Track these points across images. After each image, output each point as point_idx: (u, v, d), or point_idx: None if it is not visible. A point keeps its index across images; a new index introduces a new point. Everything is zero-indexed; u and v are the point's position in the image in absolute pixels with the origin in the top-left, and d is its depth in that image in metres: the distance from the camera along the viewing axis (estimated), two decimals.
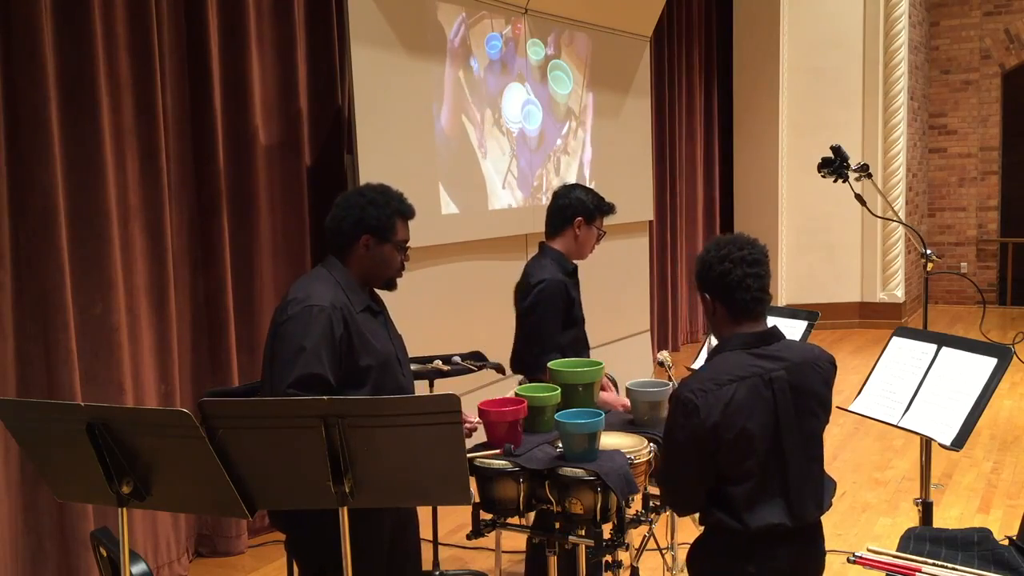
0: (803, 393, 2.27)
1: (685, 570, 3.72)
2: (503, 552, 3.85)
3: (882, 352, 3.25)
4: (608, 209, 3.55)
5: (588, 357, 3.48)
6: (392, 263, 2.72)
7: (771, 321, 3.41)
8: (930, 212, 11.98)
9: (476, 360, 3.92)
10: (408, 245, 2.76)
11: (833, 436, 6.02)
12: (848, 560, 2.60)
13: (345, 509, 2.19)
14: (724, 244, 2.32)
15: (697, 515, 2.38)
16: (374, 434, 2.11)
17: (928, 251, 3.77)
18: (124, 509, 2.21)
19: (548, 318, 3.41)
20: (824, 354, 2.39)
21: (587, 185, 3.62)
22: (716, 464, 2.24)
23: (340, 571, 2.45)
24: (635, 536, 3.14)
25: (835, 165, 3.83)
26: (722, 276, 2.29)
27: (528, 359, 3.39)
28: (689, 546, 2.41)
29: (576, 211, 3.47)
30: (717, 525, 2.27)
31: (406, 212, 2.73)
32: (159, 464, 2.18)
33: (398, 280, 2.78)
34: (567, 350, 3.43)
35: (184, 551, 4.30)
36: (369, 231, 2.67)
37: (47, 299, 3.60)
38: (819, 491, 2.31)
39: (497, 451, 2.71)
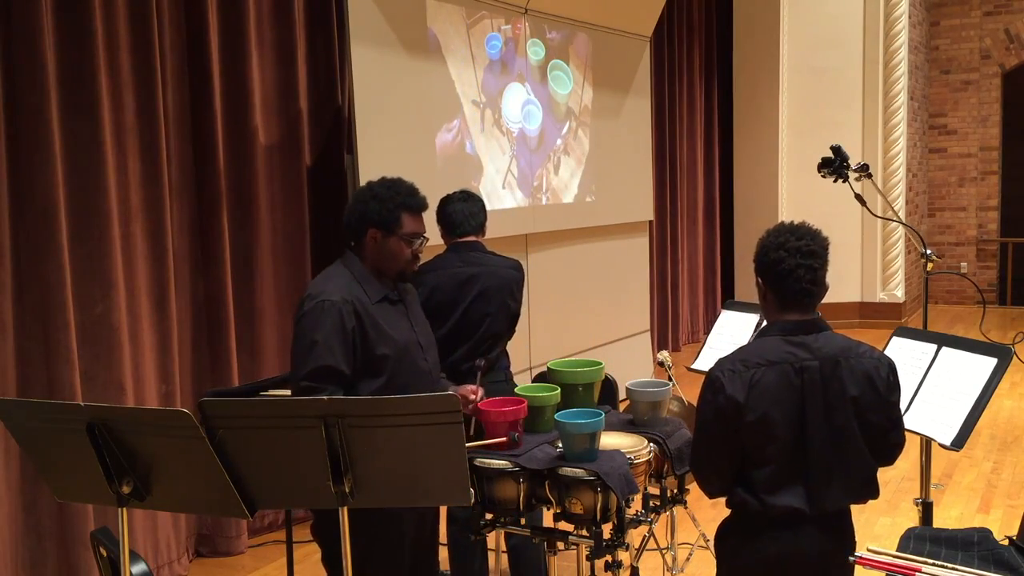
0: (834, 386, 2.27)
1: (685, 570, 3.73)
2: (503, 552, 3.85)
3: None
4: None
5: None
6: (399, 255, 2.75)
7: None
8: (930, 212, 11.98)
9: None
10: (424, 236, 2.79)
11: None
12: (848, 560, 2.60)
13: (345, 509, 2.19)
14: (784, 231, 2.34)
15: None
16: (374, 434, 2.11)
17: (928, 251, 3.77)
18: (124, 509, 2.21)
19: None
20: (869, 351, 2.34)
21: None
22: (740, 444, 2.29)
23: (365, 555, 2.55)
24: (635, 536, 3.14)
25: (835, 165, 3.82)
26: (775, 263, 2.31)
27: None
28: (715, 531, 2.46)
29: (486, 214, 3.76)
30: (740, 505, 2.32)
31: (412, 205, 2.75)
32: (159, 464, 2.19)
33: (415, 267, 2.81)
34: None
35: (184, 551, 4.30)
36: (374, 225, 2.72)
37: (47, 299, 3.61)
38: (848, 484, 2.29)
39: (502, 439, 2.72)
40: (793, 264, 2.28)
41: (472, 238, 3.60)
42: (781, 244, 2.30)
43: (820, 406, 2.26)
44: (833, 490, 2.28)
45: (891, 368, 2.34)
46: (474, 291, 3.48)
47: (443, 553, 4.23)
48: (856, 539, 2.40)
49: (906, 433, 2.44)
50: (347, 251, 2.79)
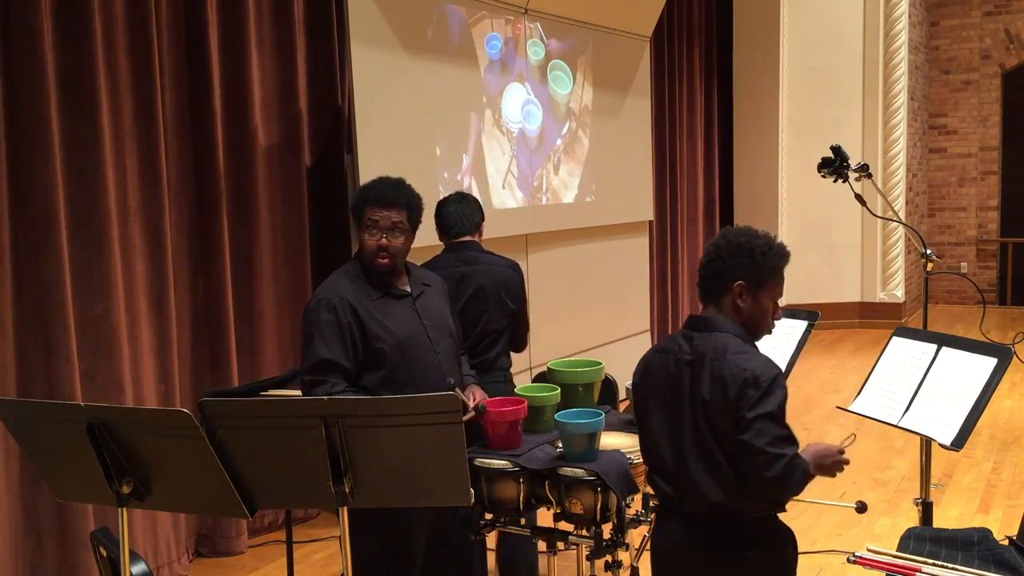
0: (697, 385, 2.28)
1: None
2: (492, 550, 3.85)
3: (882, 352, 3.24)
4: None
5: None
6: (364, 246, 2.83)
7: None
8: (930, 212, 11.98)
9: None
10: (396, 227, 2.79)
11: (833, 436, 6.02)
12: (848, 560, 2.60)
13: (346, 509, 2.19)
14: None
15: None
16: (374, 434, 2.11)
17: (928, 251, 3.77)
18: (124, 509, 2.21)
19: None
20: (743, 360, 2.22)
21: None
22: None
23: (375, 555, 2.63)
24: (635, 536, 3.14)
25: (835, 165, 3.82)
26: None
27: (521, 345, 3.69)
28: None
29: (482, 215, 3.76)
30: None
31: (373, 197, 2.81)
32: (159, 464, 2.19)
33: (381, 261, 2.80)
34: None
35: (184, 551, 4.30)
36: (353, 219, 2.87)
37: (47, 299, 3.60)
38: (708, 485, 2.25)
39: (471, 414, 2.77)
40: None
41: (468, 238, 3.63)
42: None
43: (687, 403, 2.29)
44: (694, 488, 2.27)
45: (753, 381, 2.19)
46: (470, 290, 3.52)
47: None
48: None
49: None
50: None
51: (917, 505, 3.36)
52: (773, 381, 2.20)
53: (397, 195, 2.82)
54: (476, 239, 3.67)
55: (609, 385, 3.54)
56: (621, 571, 2.77)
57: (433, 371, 2.81)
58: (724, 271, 2.32)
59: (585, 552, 2.74)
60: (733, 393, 2.20)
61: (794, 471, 2.19)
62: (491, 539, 3.81)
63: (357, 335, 2.73)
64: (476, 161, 5.55)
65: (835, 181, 3.87)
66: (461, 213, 3.64)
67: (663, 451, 2.34)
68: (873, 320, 9.94)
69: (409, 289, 2.89)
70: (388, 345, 2.75)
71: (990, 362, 2.82)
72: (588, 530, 2.66)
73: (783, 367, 3.19)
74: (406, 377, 2.75)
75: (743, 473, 2.22)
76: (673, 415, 2.32)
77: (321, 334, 2.70)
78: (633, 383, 2.48)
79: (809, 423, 6.51)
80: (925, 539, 2.86)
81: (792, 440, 2.21)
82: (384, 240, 2.79)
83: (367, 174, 4.53)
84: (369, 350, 2.74)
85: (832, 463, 2.32)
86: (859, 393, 3.21)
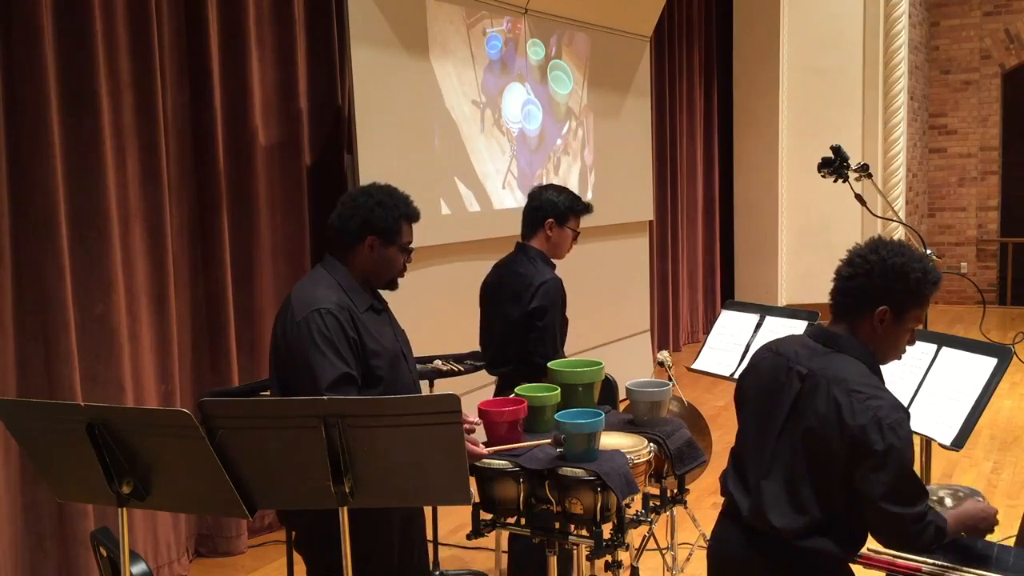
0: (803, 405, 2.14)
1: (685, 570, 3.73)
2: (503, 552, 3.85)
3: None
4: (582, 209, 3.56)
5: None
6: (395, 265, 2.73)
7: (771, 321, 3.40)
8: (930, 212, 11.98)
9: (477, 360, 3.93)
10: (412, 247, 2.77)
11: None
12: None
13: (345, 509, 2.19)
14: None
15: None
16: (374, 434, 2.11)
17: (928, 251, 3.77)
18: (124, 509, 2.21)
19: (558, 317, 3.46)
20: (875, 399, 2.07)
21: (562, 185, 3.70)
22: None
23: (358, 559, 2.47)
24: (635, 536, 3.14)
25: (835, 165, 3.82)
26: None
27: (539, 359, 3.37)
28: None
29: (547, 212, 3.51)
30: None
31: (412, 215, 2.74)
32: (159, 464, 2.19)
33: (399, 280, 2.80)
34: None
35: (184, 551, 4.30)
36: (375, 232, 2.67)
37: (47, 299, 3.60)
38: (782, 510, 2.14)
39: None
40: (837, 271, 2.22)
41: (525, 242, 3.55)
42: None
43: (785, 415, 2.17)
44: (760, 504, 2.17)
45: (876, 424, 2.03)
46: (495, 296, 3.54)
47: (445, 552, 4.24)
48: (797, 570, 2.19)
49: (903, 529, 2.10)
50: (328, 257, 2.74)
51: None
52: (899, 427, 2.04)
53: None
54: (534, 244, 3.53)
55: (609, 385, 3.53)
56: (621, 571, 2.77)
57: (411, 390, 2.75)
58: (869, 291, 2.12)
59: (585, 552, 2.74)
60: (853, 430, 2.04)
61: (926, 529, 2.10)
62: (493, 540, 3.81)
63: (358, 351, 2.60)
64: (476, 161, 5.55)
65: (835, 181, 3.87)
66: (524, 213, 3.56)
67: (745, 456, 2.25)
68: None
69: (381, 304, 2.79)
70: (383, 362, 2.64)
71: (990, 362, 2.82)
72: (588, 530, 2.66)
73: None
74: (395, 395, 2.65)
75: (871, 527, 2.11)
76: (765, 423, 2.20)
77: (334, 347, 2.53)
78: (740, 376, 2.41)
79: None
80: None
81: (924, 492, 2.10)
82: (411, 259, 2.76)
83: (367, 174, 4.53)
84: (366, 367, 2.61)
85: (986, 528, 2.24)
86: None
